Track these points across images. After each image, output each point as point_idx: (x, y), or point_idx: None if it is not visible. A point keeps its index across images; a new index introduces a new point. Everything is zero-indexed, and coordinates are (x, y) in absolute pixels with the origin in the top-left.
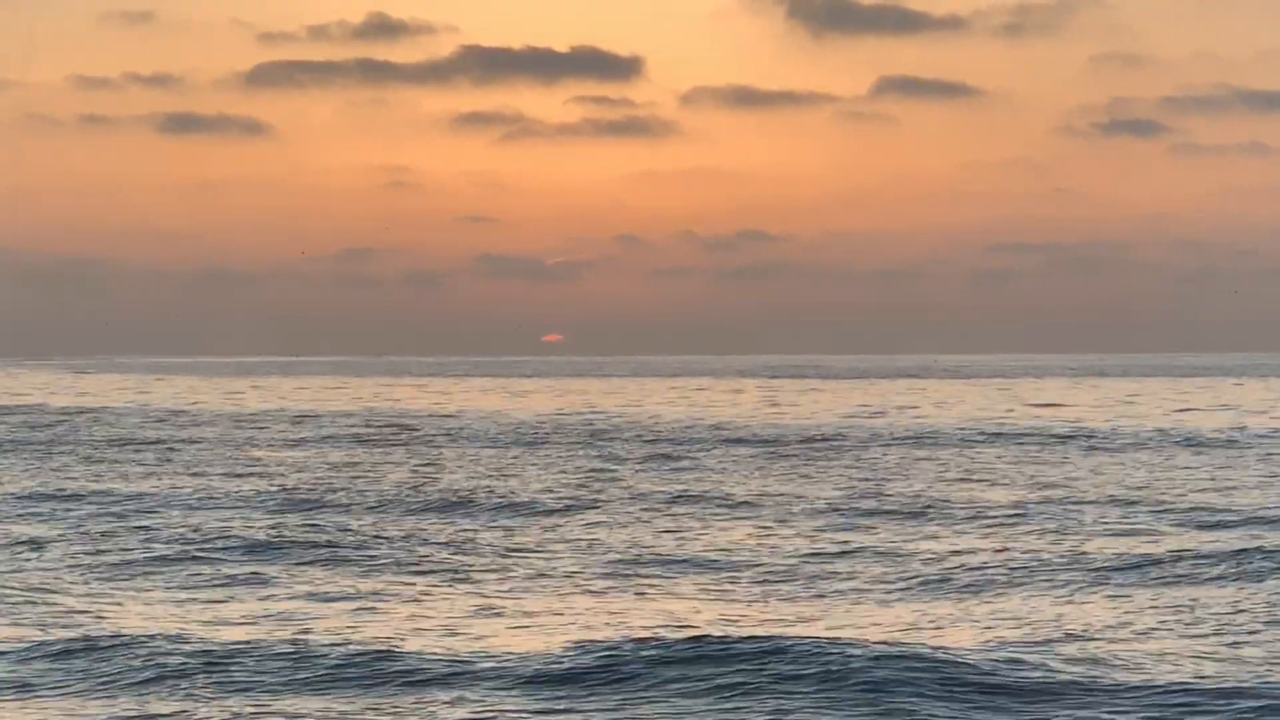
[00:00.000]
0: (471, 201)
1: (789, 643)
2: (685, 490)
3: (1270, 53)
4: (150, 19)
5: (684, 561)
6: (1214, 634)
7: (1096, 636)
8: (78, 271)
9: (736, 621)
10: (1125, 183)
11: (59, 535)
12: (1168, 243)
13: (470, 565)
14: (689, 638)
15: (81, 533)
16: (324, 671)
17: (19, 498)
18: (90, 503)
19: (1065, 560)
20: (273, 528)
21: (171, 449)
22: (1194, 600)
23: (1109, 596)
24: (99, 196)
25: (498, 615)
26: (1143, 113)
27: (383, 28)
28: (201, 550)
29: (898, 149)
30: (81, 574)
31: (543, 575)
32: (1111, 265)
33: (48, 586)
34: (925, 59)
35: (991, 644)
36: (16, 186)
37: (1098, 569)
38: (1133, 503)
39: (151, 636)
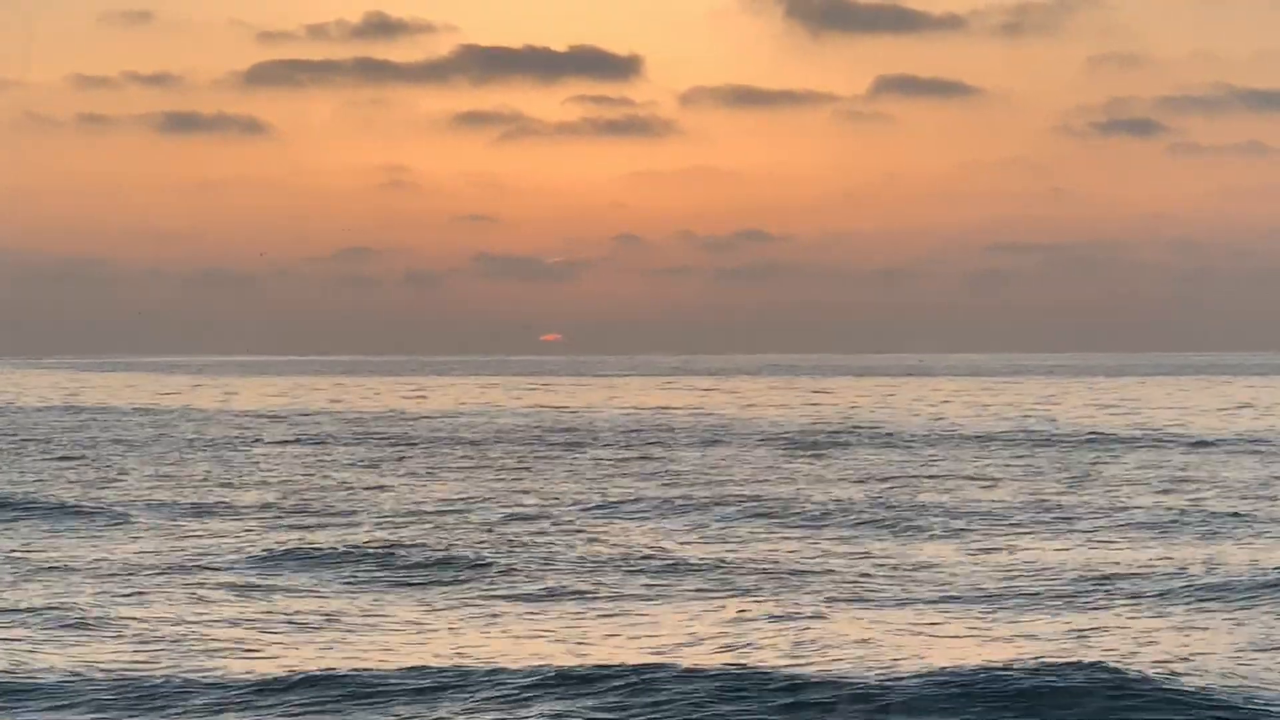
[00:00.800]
0: (470, 201)
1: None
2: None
3: (1268, 52)
4: (149, 18)
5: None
6: None
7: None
8: (77, 271)
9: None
10: (1123, 182)
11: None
12: (1166, 242)
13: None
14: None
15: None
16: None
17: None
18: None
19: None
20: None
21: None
22: None
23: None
24: (98, 196)
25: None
26: (1141, 112)
27: (382, 27)
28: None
29: (896, 148)
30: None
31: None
32: (1109, 265)
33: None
34: (923, 58)
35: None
36: (15, 186)
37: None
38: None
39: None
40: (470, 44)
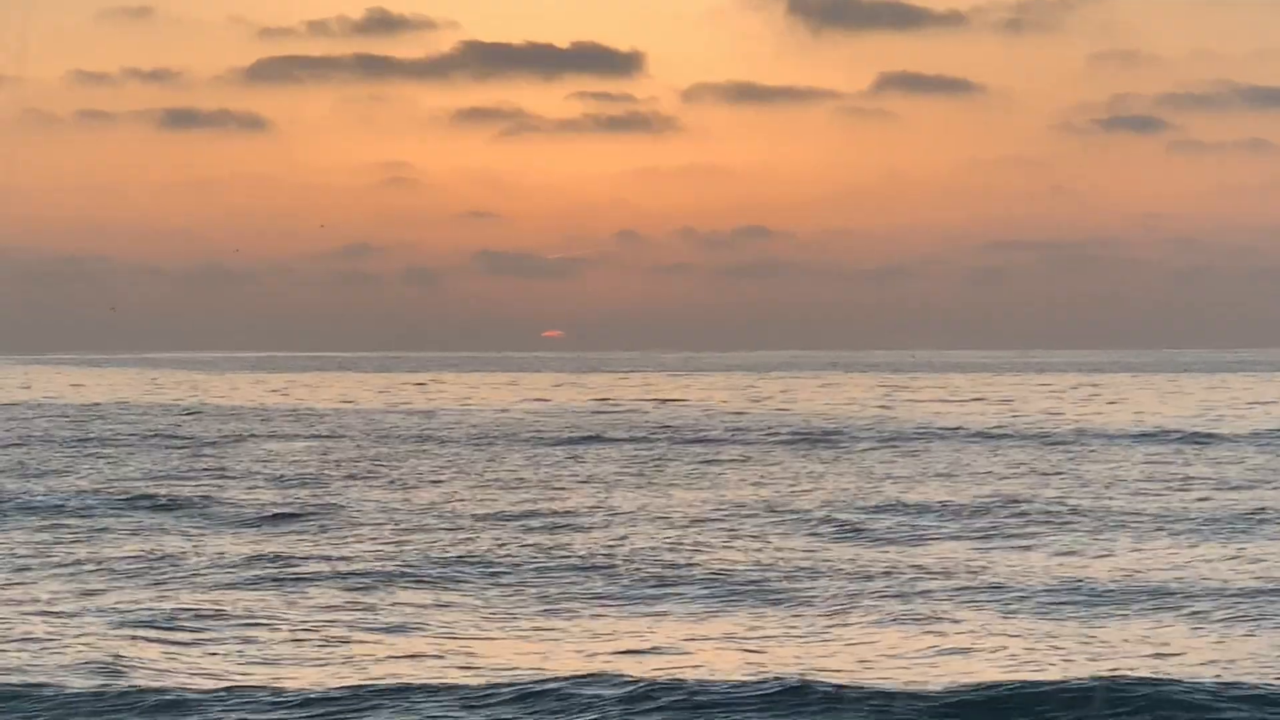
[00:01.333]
0: (471, 198)
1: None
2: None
3: (1269, 50)
4: (149, 14)
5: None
6: None
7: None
8: (76, 269)
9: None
10: (1125, 180)
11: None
12: (1167, 240)
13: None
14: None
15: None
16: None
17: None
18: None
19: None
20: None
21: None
22: None
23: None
24: (98, 192)
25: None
26: (1142, 110)
27: (383, 23)
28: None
29: (898, 145)
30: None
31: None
32: (1110, 262)
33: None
34: (925, 55)
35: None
36: (14, 183)
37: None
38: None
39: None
40: (472, 40)
